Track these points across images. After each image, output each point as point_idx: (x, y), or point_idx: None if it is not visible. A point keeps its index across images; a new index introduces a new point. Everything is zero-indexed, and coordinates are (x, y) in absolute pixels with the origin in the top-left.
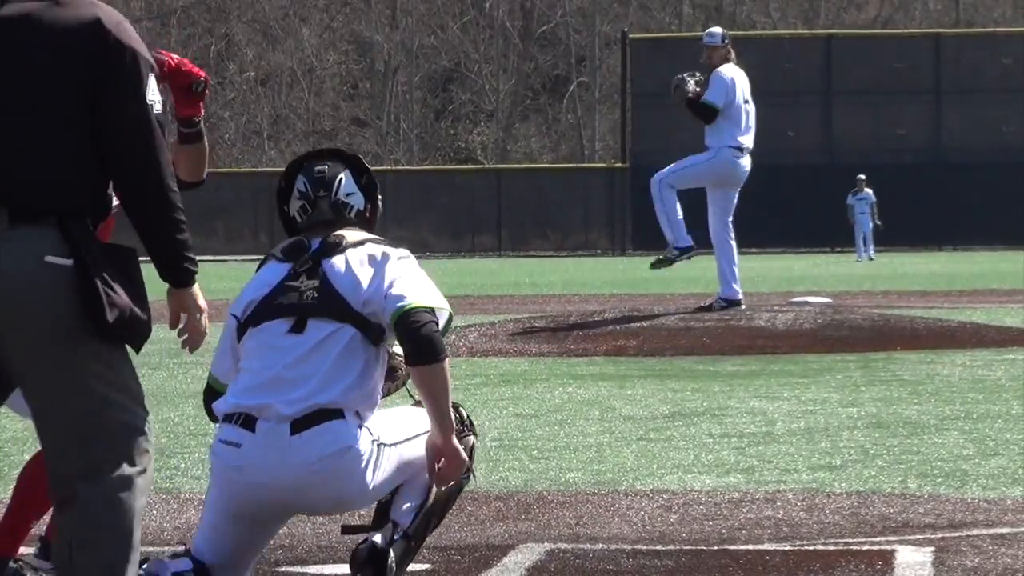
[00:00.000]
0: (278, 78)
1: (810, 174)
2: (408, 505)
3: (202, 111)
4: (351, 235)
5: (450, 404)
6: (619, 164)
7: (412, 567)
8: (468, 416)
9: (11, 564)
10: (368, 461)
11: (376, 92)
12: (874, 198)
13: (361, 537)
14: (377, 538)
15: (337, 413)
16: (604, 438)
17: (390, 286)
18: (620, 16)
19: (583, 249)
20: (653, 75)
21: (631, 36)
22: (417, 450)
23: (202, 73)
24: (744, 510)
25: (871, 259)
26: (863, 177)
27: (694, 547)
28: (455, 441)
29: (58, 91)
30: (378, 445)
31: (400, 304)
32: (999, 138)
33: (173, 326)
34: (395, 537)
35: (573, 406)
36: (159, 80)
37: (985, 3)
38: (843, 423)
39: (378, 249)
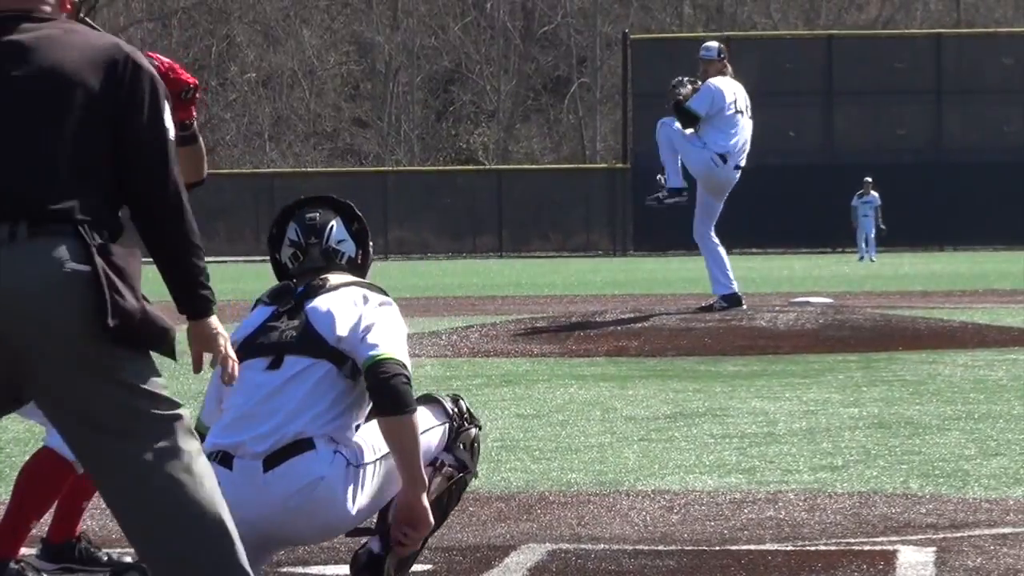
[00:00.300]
0: (279, 79)
1: (811, 174)
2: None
3: (194, 114)
4: (336, 278)
5: (420, 460)
6: (620, 165)
7: (414, 568)
8: (468, 408)
9: (12, 565)
10: (345, 486)
11: (377, 93)
12: (879, 201)
13: (364, 540)
14: (375, 545)
15: (307, 443)
16: (606, 438)
17: (366, 331)
18: (621, 17)
19: (584, 250)
20: (654, 76)
21: (632, 37)
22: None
23: (192, 79)
24: (746, 510)
25: (872, 261)
26: (870, 180)
27: (696, 547)
28: (425, 501)
29: (77, 110)
30: (356, 467)
31: (372, 353)
32: (1000, 138)
33: (197, 370)
34: (392, 543)
35: (575, 406)
36: None
37: (986, 3)
38: (845, 423)
39: (360, 292)
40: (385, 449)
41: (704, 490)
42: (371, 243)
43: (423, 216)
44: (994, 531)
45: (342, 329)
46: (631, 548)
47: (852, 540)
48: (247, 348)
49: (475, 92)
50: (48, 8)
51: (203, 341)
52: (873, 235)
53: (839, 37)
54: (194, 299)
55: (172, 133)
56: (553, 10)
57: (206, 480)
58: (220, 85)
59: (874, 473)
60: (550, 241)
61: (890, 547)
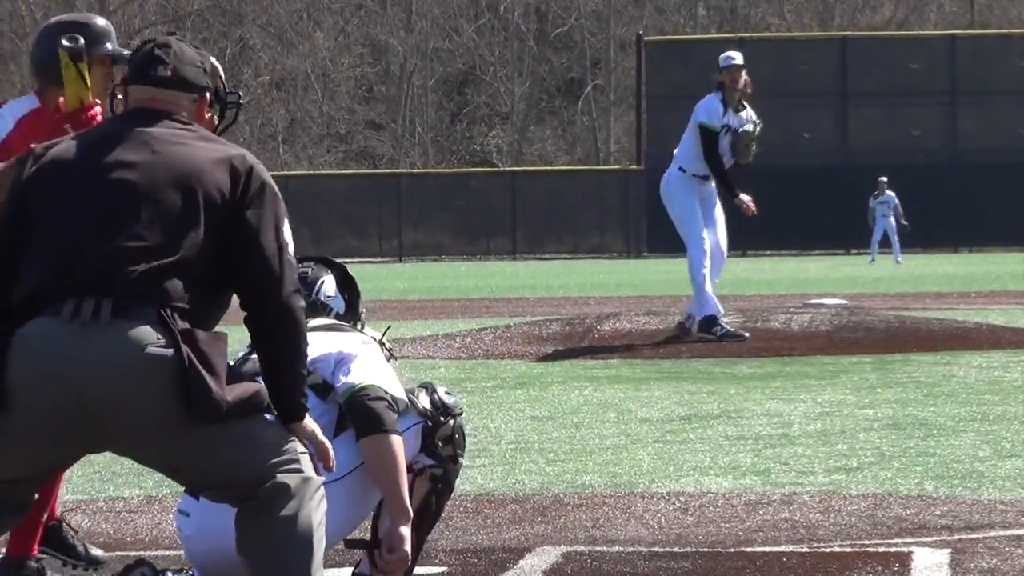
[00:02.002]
0: (293, 82)
1: (825, 176)
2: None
3: None
4: (320, 320)
5: (404, 487)
6: (634, 167)
7: (428, 570)
8: (443, 397)
9: (31, 563)
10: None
11: (391, 95)
12: (896, 200)
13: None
14: (365, 568)
15: None
16: (620, 440)
17: (342, 361)
18: (635, 19)
19: (598, 251)
20: (668, 78)
21: (646, 39)
22: (364, 481)
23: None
24: (761, 512)
25: (898, 263)
26: (884, 179)
27: (711, 549)
28: (406, 531)
29: (187, 204)
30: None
31: (352, 383)
32: (1015, 139)
33: None
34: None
35: (589, 408)
36: None
37: (1000, 4)
38: (859, 425)
39: (339, 331)
40: (346, 468)
41: (719, 492)
42: (363, 310)
43: (437, 218)
44: (1009, 532)
45: (316, 356)
46: (646, 550)
47: (867, 542)
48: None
49: (489, 94)
50: (185, 115)
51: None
52: (896, 236)
53: (853, 38)
54: (292, 406)
55: (292, 248)
56: (567, 12)
57: (314, 514)
58: (234, 88)
59: (889, 475)
60: (564, 243)
61: (905, 549)
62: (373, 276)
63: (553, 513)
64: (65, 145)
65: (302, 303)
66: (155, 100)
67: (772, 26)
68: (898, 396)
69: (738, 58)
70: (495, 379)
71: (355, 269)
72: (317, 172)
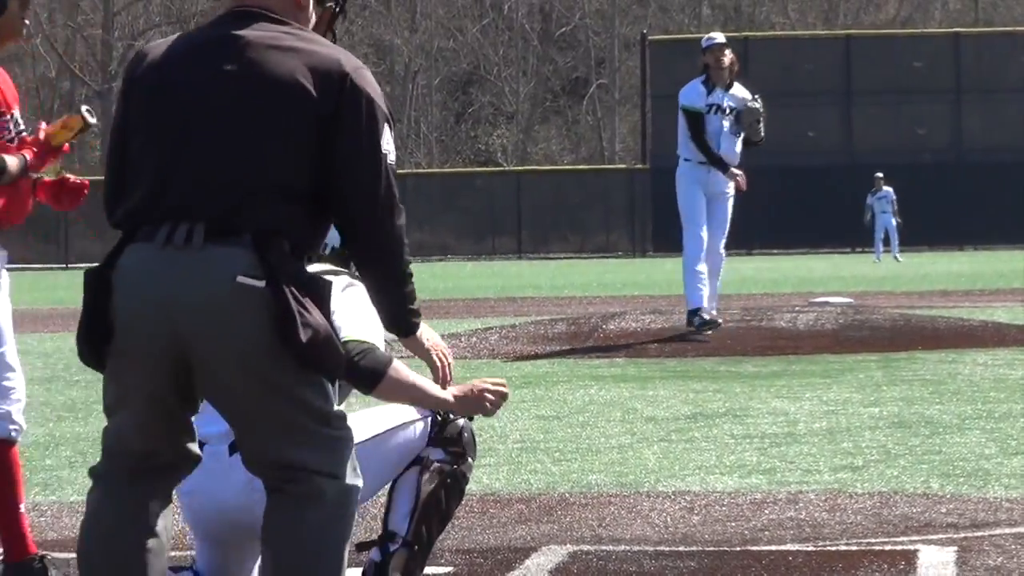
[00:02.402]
0: None
1: (830, 174)
2: (402, 511)
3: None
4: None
5: (429, 391)
6: (639, 165)
7: (434, 570)
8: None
9: (35, 563)
10: None
11: (396, 95)
12: (894, 195)
13: None
14: (374, 554)
15: None
16: (626, 439)
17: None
18: (639, 18)
19: (603, 250)
20: (672, 76)
21: (650, 38)
22: (385, 449)
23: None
24: (766, 511)
25: (897, 260)
26: (880, 175)
27: (717, 548)
28: (450, 396)
29: (285, 119)
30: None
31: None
32: (1020, 137)
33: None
34: (391, 548)
35: (595, 407)
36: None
37: (1005, 2)
38: (865, 423)
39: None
40: (364, 436)
41: (725, 491)
42: None
43: (442, 218)
44: (1015, 530)
45: None
46: (652, 549)
47: (873, 540)
48: None
49: (494, 94)
50: (277, 4)
51: (413, 350)
52: (895, 233)
53: (857, 37)
54: (402, 322)
55: (391, 158)
56: (571, 11)
57: (348, 514)
58: None
59: (895, 473)
60: (569, 242)
61: (911, 547)
62: None
63: (559, 512)
64: (162, 51)
65: (401, 219)
66: None
67: (776, 25)
68: (904, 394)
69: (719, 37)
70: (501, 378)
71: None
72: None
